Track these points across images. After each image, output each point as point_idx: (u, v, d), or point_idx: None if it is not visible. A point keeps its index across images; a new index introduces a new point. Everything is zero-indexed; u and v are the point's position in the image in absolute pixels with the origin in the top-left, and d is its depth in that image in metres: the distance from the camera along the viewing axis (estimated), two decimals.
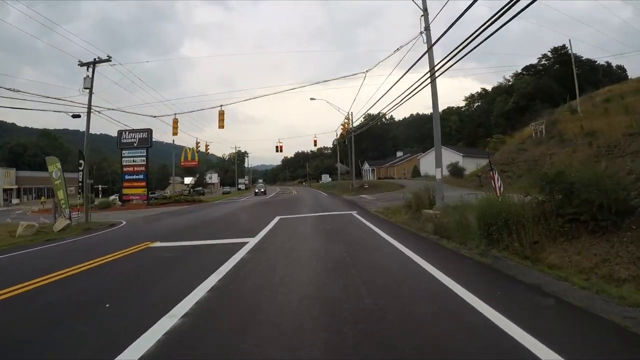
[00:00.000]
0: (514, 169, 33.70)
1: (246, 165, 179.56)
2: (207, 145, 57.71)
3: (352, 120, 48.54)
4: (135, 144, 50.74)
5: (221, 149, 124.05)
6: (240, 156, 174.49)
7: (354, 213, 21.75)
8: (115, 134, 50.91)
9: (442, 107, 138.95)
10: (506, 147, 46.46)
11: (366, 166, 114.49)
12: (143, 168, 50.61)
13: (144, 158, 50.63)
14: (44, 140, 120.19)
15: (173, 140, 70.42)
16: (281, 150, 58.10)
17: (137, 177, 50.62)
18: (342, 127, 48.09)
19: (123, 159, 51.33)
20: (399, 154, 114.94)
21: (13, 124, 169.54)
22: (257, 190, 76.53)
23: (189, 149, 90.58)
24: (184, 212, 33.30)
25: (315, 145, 55.30)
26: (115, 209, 45.76)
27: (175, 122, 35.25)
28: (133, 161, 50.75)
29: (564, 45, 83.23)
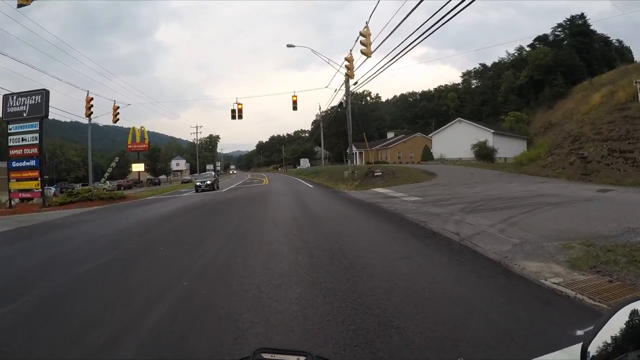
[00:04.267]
0: None
1: (218, 150, 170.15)
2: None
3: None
4: (25, 114, 33.89)
5: (196, 134, 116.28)
6: (212, 141, 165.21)
7: None
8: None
9: (434, 85, 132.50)
10: (580, 118, 34.10)
11: (353, 149, 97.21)
12: (36, 150, 33.77)
13: (37, 135, 33.77)
14: None
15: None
16: (240, 117, 42.02)
17: (28, 163, 34.00)
18: (347, 70, 31.97)
19: (9, 137, 34.73)
20: (390, 135, 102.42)
21: None
22: (199, 183, 45.85)
23: (137, 129, 76.08)
24: None
25: (294, 105, 37.08)
26: None
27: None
28: (22, 140, 34.05)
29: (582, 14, 77.80)
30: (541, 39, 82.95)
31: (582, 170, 23.09)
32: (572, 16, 79.07)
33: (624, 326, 1.20)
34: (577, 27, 77.24)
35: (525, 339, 4.45)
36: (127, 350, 4.80)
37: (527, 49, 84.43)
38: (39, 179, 33.70)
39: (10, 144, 34.31)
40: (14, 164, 34.15)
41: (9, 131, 34.74)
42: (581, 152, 24.19)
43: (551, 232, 9.54)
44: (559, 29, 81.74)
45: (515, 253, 8.05)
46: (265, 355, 1.28)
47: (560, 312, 5.28)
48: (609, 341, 1.20)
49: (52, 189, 56.02)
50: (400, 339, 4.56)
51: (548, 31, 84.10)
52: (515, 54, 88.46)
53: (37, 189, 33.64)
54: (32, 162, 33.63)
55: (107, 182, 57.34)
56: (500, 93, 79.89)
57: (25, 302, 7.21)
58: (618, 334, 1.19)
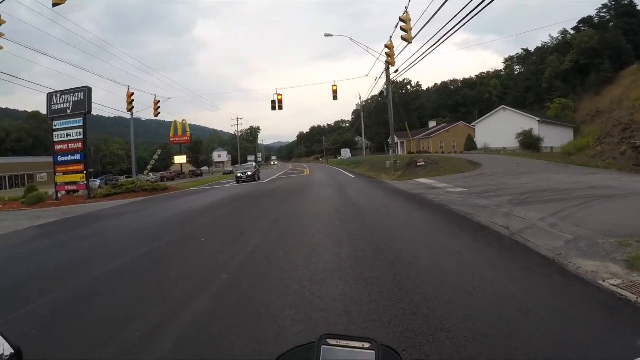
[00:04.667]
0: None
1: (259, 141, 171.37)
2: None
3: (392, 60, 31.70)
4: (69, 110, 34.74)
5: (237, 126, 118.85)
6: (253, 132, 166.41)
7: None
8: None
9: (475, 72, 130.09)
10: (630, 104, 31.39)
11: (395, 139, 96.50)
12: (80, 145, 34.56)
13: (81, 130, 34.55)
14: (32, 124, 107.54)
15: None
16: (280, 107, 42.02)
17: (73, 157, 34.84)
18: (387, 57, 31.45)
19: (55, 133, 35.61)
20: (432, 124, 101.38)
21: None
22: (240, 174, 45.13)
23: (179, 122, 76.95)
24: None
25: (334, 95, 37.07)
26: (45, 205, 31.54)
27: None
28: (67, 135, 34.78)
29: None
30: (586, 21, 79.89)
31: (635, 160, 22.01)
32: None
33: None
34: (622, 7, 74.70)
35: (585, 348, 4.10)
36: (163, 346, 4.66)
37: (572, 32, 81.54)
38: (84, 172, 34.58)
39: (56, 139, 35.29)
40: (59, 159, 35.19)
41: (54, 127, 35.79)
42: (633, 141, 23.10)
43: (605, 228, 8.96)
44: (604, 10, 78.82)
45: (569, 250, 7.57)
46: (330, 341, 1.26)
47: (622, 318, 4.83)
48: None
49: (97, 182, 57.21)
50: (452, 344, 4.21)
51: (592, 12, 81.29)
52: (559, 38, 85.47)
53: (82, 182, 34.57)
54: (77, 156, 34.59)
55: (151, 174, 58.40)
56: (545, 79, 76.84)
57: (63, 293, 7.25)
58: None
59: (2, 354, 1.30)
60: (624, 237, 7.98)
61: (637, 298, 5.19)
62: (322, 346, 1.22)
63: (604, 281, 5.89)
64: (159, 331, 5.06)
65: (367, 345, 1.21)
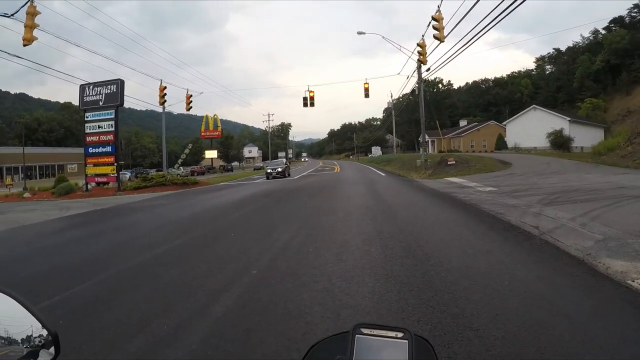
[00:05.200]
0: None
1: (290, 137, 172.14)
2: None
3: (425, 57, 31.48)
4: (101, 102, 35.10)
5: (268, 122, 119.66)
6: (284, 128, 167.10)
7: None
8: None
9: (506, 72, 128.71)
10: None
11: (426, 137, 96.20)
12: (111, 137, 34.84)
13: (113, 122, 34.83)
14: (64, 115, 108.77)
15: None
16: (312, 104, 42.13)
17: (104, 149, 35.19)
18: (419, 55, 31.30)
19: (86, 125, 36.04)
20: (463, 122, 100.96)
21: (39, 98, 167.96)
22: (269, 170, 44.86)
23: (210, 117, 77.44)
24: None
25: (366, 93, 37.22)
26: (74, 196, 32.03)
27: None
28: (98, 127, 35.10)
29: None
30: (617, 21, 78.95)
31: None
32: None
33: None
34: None
35: (615, 348, 4.01)
36: (191, 341, 4.67)
37: (603, 31, 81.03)
38: (114, 164, 34.93)
39: (87, 131, 35.77)
40: (90, 150, 35.66)
41: (85, 119, 36.30)
42: None
43: (635, 228, 8.82)
44: (635, 10, 77.26)
45: (599, 250, 7.42)
46: (364, 330, 1.26)
47: None
48: None
49: (127, 174, 57.76)
50: (481, 343, 4.18)
51: (624, 12, 79.83)
52: (591, 38, 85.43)
53: (112, 174, 34.93)
54: (108, 148, 34.96)
55: (181, 167, 58.67)
56: (576, 79, 77.00)
57: (93, 283, 7.30)
58: None
59: (40, 338, 1.35)
60: None
61: None
62: (357, 335, 1.23)
63: (634, 281, 5.81)
64: (188, 325, 5.08)
65: (400, 334, 1.21)
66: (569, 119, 55.84)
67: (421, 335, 1.28)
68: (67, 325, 5.30)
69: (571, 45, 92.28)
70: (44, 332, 1.38)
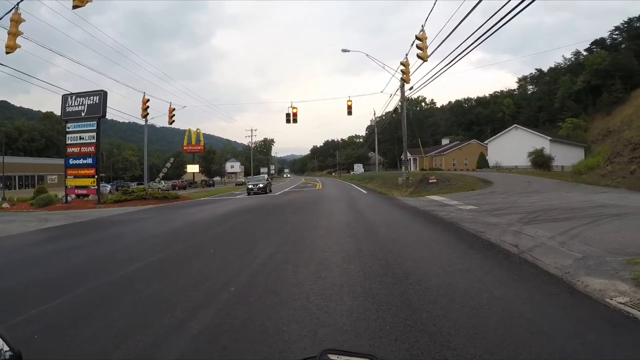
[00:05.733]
0: None
1: (273, 153, 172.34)
2: None
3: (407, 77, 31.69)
4: (83, 113, 34.78)
5: (251, 137, 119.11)
6: (267, 144, 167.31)
7: None
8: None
9: (489, 91, 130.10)
10: None
11: (408, 155, 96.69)
12: (93, 148, 34.55)
13: (94, 134, 34.57)
14: (45, 124, 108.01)
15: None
16: (295, 121, 42.16)
17: (85, 161, 34.82)
18: (402, 74, 31.57)
19: (68, 136, 35.71)
20: (445, 141, 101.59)
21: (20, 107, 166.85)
22: (251, 186, 44.87)
23: (193, 131, 77.37)
24: None
25: (349, 110, 37.50)
26: (54, 208, 31.80)
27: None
28: (80, 138, 34.85)
29: None
30: (598, 43, 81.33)
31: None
32: (630, 18, 77.82)
33: None
34: (635, 29, 75.82)
35: None
36: (168, 358, 4.64)
37: (584, 53, 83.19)
38: (95, 176, 34.57)
39: (68, 142, 35.50)
40: (71, 161, 35.33)
41: (67, 130, 35.99)
42: None
43: (614, 246, 8.99)
44: (617, 32, 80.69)
45: (578, 268, 7.54)
46: (331, 356, 1.26)
47: (630, 336, 4.86)
48: None
49: (108, 187, 57.45)
50: None
51: (605, 34, 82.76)
52: (572, 59, 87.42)
53: (92, 186, 34.63)
54: (89, 160, 34.64)
55: (162, 181, 58.40)
56: (557, 99, 78.04)
57: (70, 298, 7.19)
58: None
59: (3, 358, 1.32)
60: (632, 255, 8.03)
61: None
62: None
63: (612, 299, 5.91)
64: (164, 342, 5.03)
65: None
66: (549, 138, 56.58)
67: (390, 359, 1.26)
68: (42, 341, 5.25)
69: (553, 66, 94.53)
70: (8, 352, 1.36)
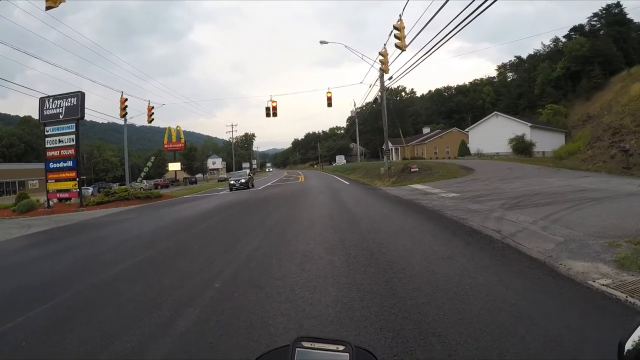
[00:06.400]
0: None
1: (254, 148, 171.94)
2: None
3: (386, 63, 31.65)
4: (61, 116, 34.23)
5: (232, 132, 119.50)
6: (248, 139, 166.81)
7: None
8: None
9: (469, 79, 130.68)
10: (619, 109, 32.22)
11: (389, 145, 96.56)
12: (73, 151, 34.01)
13: (74, 136, 33.99)
14: (23, 129, 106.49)
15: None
16: (275, 114, 41.74)
17: (66, 164, 34.23)
18: (381, 64, 31.53)
19: (47, 139, 35.11)
20: (426, 130, 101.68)
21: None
22: (233, 182, 44.42)
23: (173, 129, 76.81)
24: None
25: (329, 102, 37.44)
26: (36, 213, 31.21)
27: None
28: (59, 141, 34.30)
29: (618, 3, 76.26)
30: (577, 30, 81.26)
31: (624, 163, 22.18)
32: (608, 5, 77.66)
33: None
34: (613, 16, 75.97)
35: (576, 348, 4.08)
36: (155, 356, 4.63)
37: (563, 40, 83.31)
38: (76, 179, 34.11)
39: (48, 145, 34.90)
40: (51, 165, 34.71)
41: (45, 133, 35.36)
42: (622, 144, 23.22)
43: (596, 229, 9.05)
44: (595, 19, 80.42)
45: (560, 252, 7.60)
46: (305, 344, 1.28)
47: (612, 317, 4.88)
48: None
49: (90, 189, 56.99)
50: (443, 348, 4.22)
51: (584, 21, 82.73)
52: (551, 46, 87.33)
53: (74, 189, 34.14)
54: (69, 163, 34.06)
55: (144, 181, 58.12)
56: (537, 86, 78.01)
57: (56, 303, 7.14)
58: None
59: None
60: (613, 238, 8.10)
61: (626, 297, 5.27)
62: (297, 349, 1.23)
63: (594, 281, 5.96)
64: (151, 341, 5.03)
65: (341, 347, 1.23)
66: (530, 124, 56.76)
67: (363, 347, 1.27)
68: (30, 348, 5.24)
69: (532, 53, 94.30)
70: None
